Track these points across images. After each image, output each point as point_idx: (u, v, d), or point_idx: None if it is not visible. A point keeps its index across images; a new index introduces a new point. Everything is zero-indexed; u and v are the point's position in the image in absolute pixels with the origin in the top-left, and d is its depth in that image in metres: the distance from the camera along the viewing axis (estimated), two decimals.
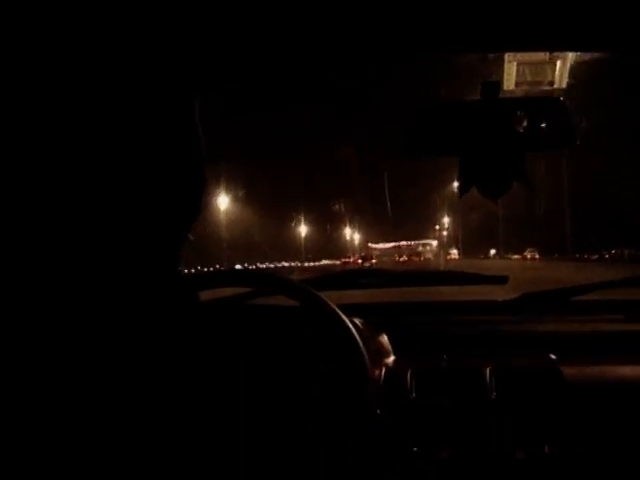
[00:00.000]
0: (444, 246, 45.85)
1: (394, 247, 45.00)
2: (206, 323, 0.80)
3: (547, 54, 1.03)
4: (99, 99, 0.62)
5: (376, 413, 0.74)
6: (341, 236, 51.75)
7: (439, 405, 0.84)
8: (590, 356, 0.93)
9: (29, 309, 0.60)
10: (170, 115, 0.68)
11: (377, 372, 0.86)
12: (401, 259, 38.46)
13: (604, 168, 23.54)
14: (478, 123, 0.89)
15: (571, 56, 1.04)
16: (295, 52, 0.77)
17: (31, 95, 0.59)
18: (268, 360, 0.78)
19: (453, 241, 47.71)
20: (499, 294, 1.34)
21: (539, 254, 29.01)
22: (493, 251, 38.08)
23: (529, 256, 29.01)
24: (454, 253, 41.90)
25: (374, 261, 33.35)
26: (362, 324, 0.88)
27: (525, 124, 0.89)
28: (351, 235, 52.50)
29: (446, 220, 49.29)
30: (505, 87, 1.03)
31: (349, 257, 41.01)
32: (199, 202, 0.74)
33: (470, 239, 44.29)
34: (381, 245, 46.40)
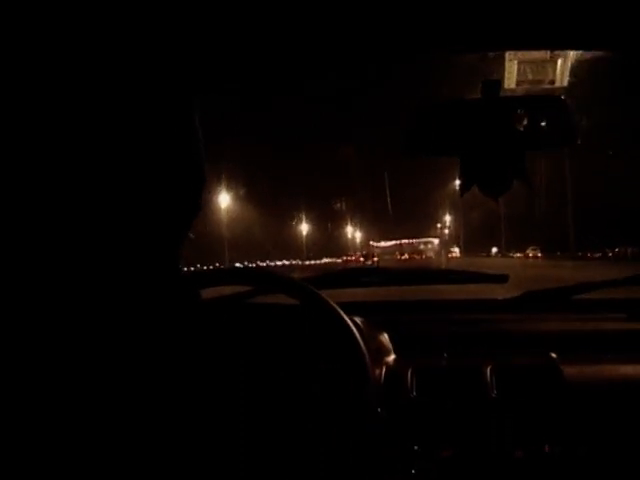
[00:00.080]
0: (445, 244, 45.85)
1: (395, 245, 45.03)
2: (207, 321, 0.80)
3: (548, 53, 1.03)
4: (99, 97, 0.62)
5: (377, 412, 0.74)
6: (342, 234, 51.76)
7: (440, 404, 0.84)
8: (591, 355, 0.93)
9: (29, 307, 0.60)
10: (170, 114, 0.68)
11: (378, 371, 0.86)
12: (402, 257, 38.46)
13: (606, 166, 23.49)
14: (479, 122, 0.89)
15: (572, 54, 1.04)
16: (295, 52, 0.77)
17: (31, 95, 0.59)
18: (268, 358, 0.78)
19: (454, 239, 47.71)
20: (500, 293, 1.34)
21: (541, 252, 28.97)
22: (495, 249, 38.02)
23: (531, 254, 28.97)
24: (455, 251, 41.86)
25: (376, 259, 33.32)
26: (363, 323, 0.88)
27: (526, 123, 0.88)
28: (352, 233, 52.50)
29: (447, 218, 49.27)
30: (506, 85, 1.03)
31: (351, 255, 40.98)
32: (199, 200, 0.74)
33: (472, 237, 44.28)
34: (382, 243, 46.44)
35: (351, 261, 35.78)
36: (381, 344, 0.96)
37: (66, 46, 0.60)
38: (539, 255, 28.58)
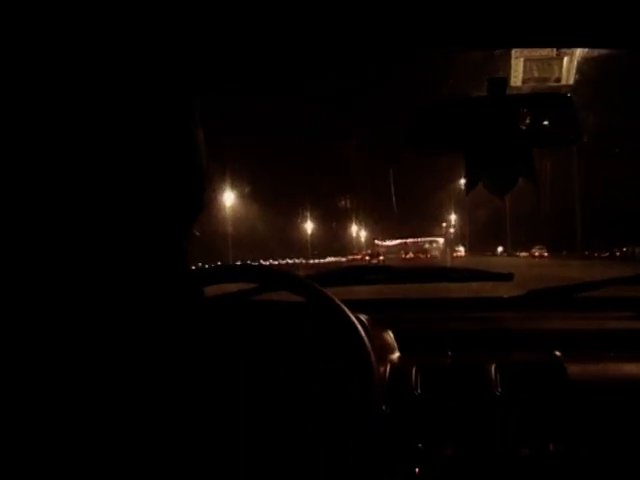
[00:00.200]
0: (450, 243, 45.68)
1: (400, 244, 44.91)
2: (211, 318, 0.80)
3: (554, 50, 1.03)
4: (100, 97, 0.62)
5: (381, 409, 0.74)
6: (347, 233, 51.65)
7: (444, 401, 0.84)
8: (595, 353, 0.92)
9: (32, 305, 0.60)
10: (170, 113, 0.68)
11: (382, 368, 0.86)
12: (407, 256, 38.40)
13: (613, 165, 23.36)
14: (485, 119, 0.89)
15: (579, 52, 1.03)
16: (295, 52, 0.77)
17: (31, 96, 0.59)
18: (273, 356, 0.78)
19: (460, 238, 47.50)
20: (505, 291, 1.34)
21: (547, 251, 28.84)
22: (500, 248, 37.88)
23: (537, 253, 28.83)
24: (460, 250, 41.70)
25: (381, 258, 33.25)
26: (367, 320, 0.88)
27: (532, 120, 0.88)
28: (357, 232, 52.41)
29: (453, 217, 49.07)
30: (512, 83, 1.02)
31: (356, 254, 40.91)
32: (201, 198, 0.74)
33: (477, 236, 44.09)
34: (387, 242, 46.31)
35: (357, 260, 35.71)
36: (386, 342, 0.96)
37: (66, 46, 0.60)
38: (545, 254, 28.44)
